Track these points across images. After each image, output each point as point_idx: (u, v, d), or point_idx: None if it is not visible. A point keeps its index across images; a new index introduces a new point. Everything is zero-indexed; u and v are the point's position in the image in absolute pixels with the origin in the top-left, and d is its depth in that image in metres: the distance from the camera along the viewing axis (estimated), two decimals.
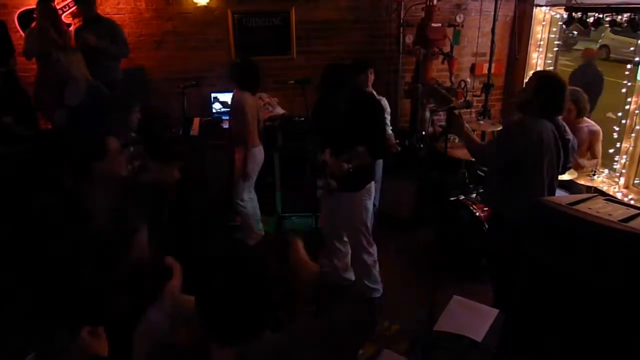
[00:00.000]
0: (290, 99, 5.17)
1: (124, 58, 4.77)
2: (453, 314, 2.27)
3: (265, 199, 4.82)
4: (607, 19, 3.97)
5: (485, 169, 4.40)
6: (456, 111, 3.08)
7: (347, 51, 5.28)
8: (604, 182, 4.32)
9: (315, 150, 3.40)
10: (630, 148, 4.16)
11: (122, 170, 2.64)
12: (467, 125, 3.09)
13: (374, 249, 3.57)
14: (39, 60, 4.58)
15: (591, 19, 4.10)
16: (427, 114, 5.08)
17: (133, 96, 3.76)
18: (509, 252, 2.91)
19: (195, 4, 5.10)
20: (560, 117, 2.95)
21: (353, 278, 3.80)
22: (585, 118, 4.01)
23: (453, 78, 5.02)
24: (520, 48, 5.58)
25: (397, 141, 4.36)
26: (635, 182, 4.24)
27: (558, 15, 5.04)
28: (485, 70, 5.23)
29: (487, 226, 3.78)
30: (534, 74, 3.13)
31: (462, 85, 4.90)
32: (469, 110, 5.32)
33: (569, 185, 3.91)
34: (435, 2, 4.88)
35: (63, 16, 4.88)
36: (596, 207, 2.40)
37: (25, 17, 4.84)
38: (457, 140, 4.35)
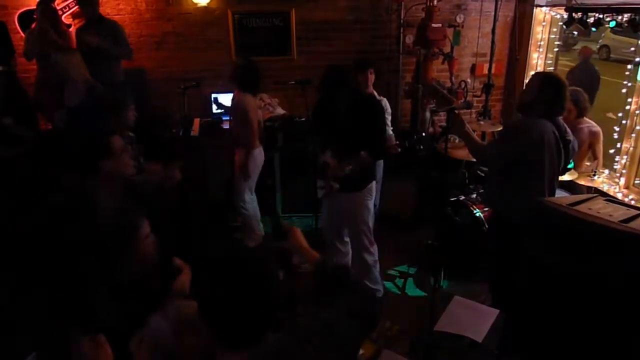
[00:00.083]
0: (290, 100, 5.17)
1: (128, 60, 4.77)
2: (453, 314, 2.27)
3: (266, 200, 4.83)
4: (608, 19, 3.97)
5: (485, 169, 4.40)
6: (456, 111, 3.08)
7: (347, 52, 5.28)
8: (604, 182, 4.32)
9: (316, 151, 3.40)
10: (631, 148, 4.16)
11: (128, 169, 2.65)
12: (467, 125, 3.09)
13: (374, 249, 3.57)
14: (39, 61, 4.58)
15: (591, 19, 4.10)
16: (428, 114, 5.09)
17: (128, 94, 3.76)
18: (509, 252, 2.91)
19: (196, 4, 5.10)
20: (560, 118, 2.95)
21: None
22: (586, 118, 4.01)
23: (453, 78, 5.03)
24: (520, 48, 5.58)
25: (397, 142, 4.36)
26: (636, 182, 4.24)
27: (558, 16, 5.03)
28: (486, 71, 5.23)
29: (487, 226, 3.78)
30: (535, 74, 3.13)
31: (463, 86, 4.90)
32: (469, 110, 5.32)
33: (570, 186, 3.91)
34: (435, 2, 4.88)
35: (63, 17, 4.88)
36: (596, 208, 2.41)
37: (26, 18, 4.85)
38: (457, 141, 4.35)
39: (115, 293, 1.73)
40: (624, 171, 4.25)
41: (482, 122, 4.56)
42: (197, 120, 5.11)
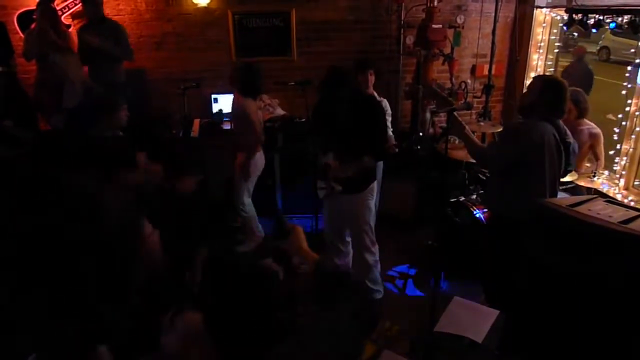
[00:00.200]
0: (290, 100, 5.17)
1: (129, 61, 4.77)
2: (453, 314, 2.27)
3: (266, 200, 4.83)
4: (608, 20, 3.97)
5: (485, 170, 4.41)
6: (456, 112, 3.09)
7: (347, 52, 5.28)
8: (604, 183, 4.32)
9: (316, 152, 3.41)
10: (630, 150, 4.16)
11: (141, 181, 2.67)
12: (467, 126, 3.10)
13: (376, 249, 3.58)
14: (38, 61, 4.58)
15: (591, 21, 4.11)
16: (428, 115, 5.09)
17: (127, 95, 3.78)
18: (509, 252, 2.91)
19: (196, 4, 5.10)
20: (560, 120, 2.96)
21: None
22: (586, 120, 4.02)
23: (453, 79, 5.03)
24: (520, 49, 5.58)
25: (395, 143, 4.37)
26: (635, 183, 4.24)
27: (558, 17, 5.04)
28: (486, 72, 5.24)
29: (487, 227, 3.78)
30: (536, 77, 3.15)
31: (463, 87, 4.91)
32: (469, 111, 5.33)
33: (570, 187, 3.92)
34: (435, 3, 4.88)
35: (63, 17, 4.88)
36: (596, 209, 2.41)
37: (25, 19, 4.85)
38: (457, 142, 4.36)
39: (124, 295, 1.73)
40: (623, 172, 4.26)
41: (482, 123, 4.57)
42: (197, 121, 5.11)
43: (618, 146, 4.29)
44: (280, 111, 5.21)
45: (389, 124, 4.36)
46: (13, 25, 4.87)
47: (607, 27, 4.05)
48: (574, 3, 4.39)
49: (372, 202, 3.51)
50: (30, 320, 1.88)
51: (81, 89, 4.02)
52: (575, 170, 3.83)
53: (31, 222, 2.36)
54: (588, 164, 4.14)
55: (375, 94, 4.24)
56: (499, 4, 4.98)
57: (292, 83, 3.74)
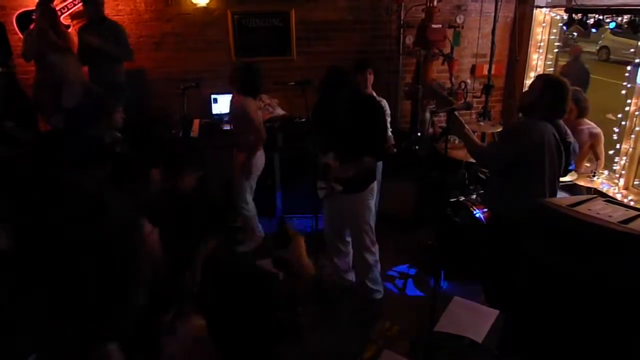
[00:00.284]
0: (290, 100, 5.17)
1: (129, 62, 4.77)
2: (453, 314, 2.26)
3: (266, 200, 4.83)
4: (607, 20, 3.97)
5: (485, 170, 4.41)
6: (456, 112, 3.08)
7: (347, 52, 5.28)
8: (604, 183, 4.32)
9: (316, 152, 3.41)
10: (630, 149, 4.16)
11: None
12: (467, 126, 3.09)
13: (376, 248, 3.58)
14: (37, 62, 4.58)
15: (591, 21, 4.11)
16: (428, 115, 5.09)
17: (125, 96, 3.77)
18: (509, 253, 2.91)
19: (195, 4, 5.10)
20: (561, 119, 2.96)
21: (354, 279, 3.80)
22: (586, 120, 4.02)
23: (453, 79, 5.03)
24: (520, 49, 5.58)
25: (394, 143, 4.37)
26: (635, 183, 4.24)
27: (558, 17, 5.04)
28: (486, 72, 5.23)
29: (487, 227, 3.78)
30: (538, 76, 3.14)
31: (463, 87, 4.91)
32: (469, 111, 5.33)
33: (569, 187, 3.92)
34: (435, 3, 4.88)
35: (62, 17, 4.88)
36: (596, 209, 2.41)
37: (24, 19, 4.84)
38: (457, 141, 4.36)
39: (126, 295, 1.73)
40: (623, 172, 4.26)
41: (482, 123, 4.57)
42: (196, 121, 5.11)
43: (618, 146, 4.29)
44: (280, 111, 5.21)
45: (387, 125, 4.36)
46: (12, 26, 4.87)
47: (606, 26, 4.05)
48: (573, 3, 4.39)
49: (372, 202, 3.51)
50: (30, 320, 1.88)
51: (80, 90, 4.01)
52: (575, 170, 3.83)
53: (31, 222, 2.36)
54: (588, 164, 4.14)
55: (374, 94, 4.25)
56: (499, 3, 4.98)
57: (292, 83, 3.74)
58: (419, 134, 5.14)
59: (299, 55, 5.45)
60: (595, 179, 3.92)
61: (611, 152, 4.33)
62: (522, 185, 2.90)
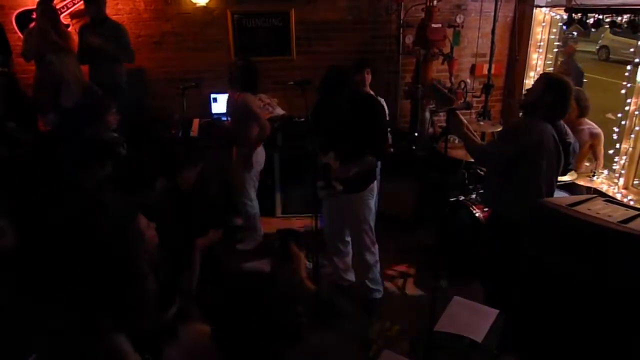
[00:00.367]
0: (289, 100, 5.17)
1: (129, 62, 4.76)
2: (453, 314, 2.27)
3: (265, 200, 4.83)
4: (607, 20, 3.97)
5: (484, 168, 4.40)
6: (456, 111, 3.08)
7: (347, 52, 5.27)
8: (604, 182, 4.32)
9: (316, 152, 3.40)
10: (630, 149, 4.16)
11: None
12: (467, 124, 3.09)
13: (376, 248, 3.58)
14: (36, 61, 4.58)
15: (591, 20, 4.10)
16: (427, 114, 5.09)
17: (118, 96, 3.78)
18: (509, 252, 2.91)
19: (195, 4, 5.09)
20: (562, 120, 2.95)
21: (354, 279, 3.80)
22: (587, 119, 4.02)
23: (453, 79, 5.02)
24: (520, 49, 5.58)
25: (391, 143, 4.37)
26: (635, 182, 4.24)
27: (558, 16, 5.04)
28: (485, 71, 5.23)
29: (487, 226, 3.78)
30: (541, 75, 3.12)
31: (462, 86, 4.90)
32: (469, 111, 5.32)
33: (569, 187, 3.92)
34: (435, 2, 4.88)
35: (61, 16, 4.87)
36: (596, 208, 2.41)
37: (23, 18, 4.84)
38: (457, 141, 4.35)
39: (126, 287, 1.73)
40: (623, 171, 4.25)
41: (482, 123, 4.56)
42: (196, 121, 5.10)
43: (617, 145, 4.29)
44: (279, 111, 5.21)
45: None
46: (11, 25, 4.87)
47: (606, 26, 4.05)
48: (573, 2, 4.39)
49: (372, 202, 3.51)
50: (30, 320, 1.88)
51: (79, 90, 4.01)
52: (575, 170, 3.83)
53: (31, 220, 2.36)
54: (587, 164, 4.14)
55: (372, 93, 4.24)
56: (499, 3, 4.98)
57: (292, 83, 3.74)
58: (416, 133, 5.14)
59: (298, 55, 5.45)
60: (595, 178, 3.92)
61: (611, 151, 4.33)
62: (522, 184, 2.90)
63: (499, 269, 3.14)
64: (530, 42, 5.46)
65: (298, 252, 1.80)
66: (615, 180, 4.32)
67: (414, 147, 4.98)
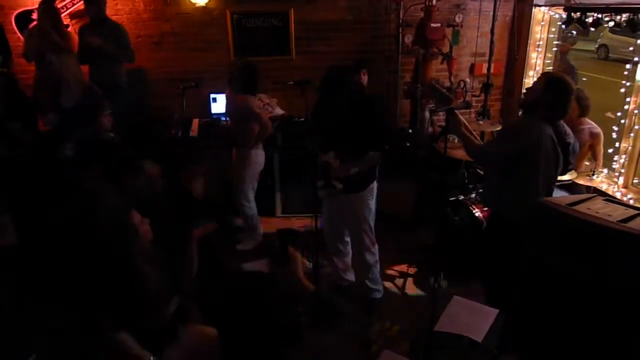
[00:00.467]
0: (289, 100, 5.17)
1: (129, 63, 4.76)
2: (453, 314, 2.27)
3: (265, 200, 4.83)
4: (606, 19, 3.97)
5: (483, 168, 4.40)
6: (455, 111, 3.08)
7: (346, 52, 5.28)
8: (603, 181, 4.33)
9: (315, 151, 3.41)
10: (629, 148, 4.16)
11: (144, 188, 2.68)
12: (466, 124, 3.09)
13: (375, 249, 3.58)
14: (37, 61, 4.58)
15: (590, 19, 4.11)
16: (427, 114, 5.09)
17: (118, 97, 3.77)
18: (509, 251, 2.91)
19: (194, 4, 5.09)
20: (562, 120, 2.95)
21: (353, 279, 3.80)
22: (587, 119, 4.02)
23: (452, 78, 5.02)
24: (519, 48, 5.58)
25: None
26: (634, 181, 4.25)
27: (557, 15, 5.04)
28: (485, 70, 5.23)
29: (486, 226, 3.79)
30: (542, 74, 3.11)
31: (462, 86, 4.90)
32: (468, 110, 5.32)
33: (569, 186, 3.92)
34: (434, 2, 4.88)
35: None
36: (595, 208, 2.41)
37: (23, 19, 4.83)
38: (456, 141, 4.36)
39: (127, 287, 1.73)
40: (622, 170, 4.26)
41: (481, 122, 4.57)
42: (196, 121, 5.10)
43: (617, 144, 4.29)
44: (279, 111, 5.21)
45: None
46: (11, 26, 4.86)
47: (605, 25, 4.05)
48: (572, 1, 4.39)
49: (372, 202, 3.51)
50: (30, 320, 1.88)
51: (79, 90, 4.00)
52: (575, 169, 3.84)
53: (30, 221, 2.36)
54: (587, 163, 4.14)
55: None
56: (498, 2, 4.98)
57: (291, 83, 3.74)
58: (409, 130, 5.14)
59: (298, 55, 5.45)
60: (594, 177, 3.92)
61: (610, 150, 4.34)
62: (521, 184, 2.90)
63: (499, 269, 3.14)
64: (529, 41, 5.46)
65: (295, 254, 1.80)
66: (615, 179, 4.32)
67: (407, 144, 4.97)
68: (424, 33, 4.86)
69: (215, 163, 4.71)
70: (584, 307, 2.34)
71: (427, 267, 4.17)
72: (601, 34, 13.39)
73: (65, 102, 4.19)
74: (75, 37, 4.69)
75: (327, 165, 3.32)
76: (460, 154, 3.97)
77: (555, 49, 5.43)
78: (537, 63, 5.49)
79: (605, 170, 4.46)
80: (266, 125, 4.10)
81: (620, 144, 4.25)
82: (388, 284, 4.00)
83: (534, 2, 5.30)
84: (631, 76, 4.10)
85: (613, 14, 3.92)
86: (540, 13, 5.32)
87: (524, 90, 5.00)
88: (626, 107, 4.16)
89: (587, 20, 4.13)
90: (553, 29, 5.32)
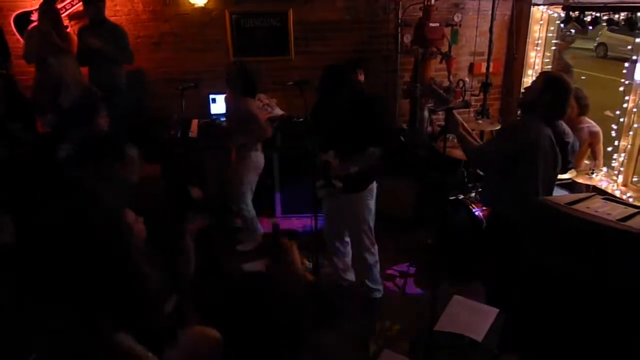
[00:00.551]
0: (288, 100, 5.17)
1: (129, 64, 4.76)
2: (453, 313, 2.27)
3: (265, 200, 4.83)
4: (605, 17, 3.97)
5: (480, 169, 4.40)
6: (454, 110, 3.08)
7: (345, 52, 5.28)
8: (603, 180, 4.33)
9: (315, 151, 3.41)
10: (628, 146, 4.16)
11: (133, 177, 2.67)
12: (465, 124, 3.09)
13: (375, 249, 3.58)
14: (36, 63, 4.57)
15: (588, 18, 4.11)
16: (426, 113, 5.09)
17: (117, 98, 3.76)
18: (508, 251, 2.92)
19: (193, 5, 5.09)
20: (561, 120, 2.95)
21: (353, 279, 3.80)
22: (586, 118, 4.03)
23: (451, 77, 5.03)
24: (518, 47, 5.58)
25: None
26: (634, 180, 4.25)
27: (556, 14, 5.04)
28: (484, 70, 5.24)
29: (486, 225, 3.79)
30: (541, 73, 3.11)
31: (461, 85, 4.90)
32: (467, 109, 5.33)
33: (569, 184, 3.92)
34: (432, 1, 4.88)
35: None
36: (595, 207, 2.41)
37: (22, 20, 4.83)
38: (456, 140, 4.36)
39: (122, 283, 1.73)
40: (621, 169, 4.26)
41: (480, 121, 4.57)
42: (195, 121, 5.10)
43: (616, 143, 4.29)
44: (278, 111, 5.21)
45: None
46: (9, 27, 4.86)
47: (603, 24, 4.05)
48: (571, 0, 4.39)
49: (372, 202, 3.51)
50: (30, 320, 1.88)
51: (78, 91, 4.00)
52: (574, 168, 3.84)
53: (30, 221, 2.35)
54: (587, 161, 4.14)
55: None
56: (496, 1, 4.98)
57: (290, 83, 3.75)
58: (404, 126, 5.13)
59: (297, 55, 5.45)
60: (594, 176, 3.92)
61: (609, 149, 4.34)
62: (520, 183, 2.90)
63: (499, 268, 3.14)
64: (528, 40, 5.46)
65: (289, 244, 1.80)
66: (614, 178, 4.32)
67: (402, 139, 4.97)
68: (423, 32, 4.85)
69: (215, 164, 4.72)
70: (584, 306, 2.34)
71: (427, 267, 4.17)
72: (600, 32, 13.39)
73: (65, 104, 4.19)
74: (75, 39, 4.69)
75: (326, 164, 3.32)
76: (460, 153, 3.97)
77: (554, 47, 5.43)
78: (536, 62, 5.49)
79: (605, 169, 4.46)
80: (265, 128, 4.10)
81: (619, 142, 4.25)
82: (388, 284, 4.00)
83: (533, 1, 5.30)
84: (630, 74, 4.10)
85: (611, 12, 3.92)
86: (538, 12, 5.32)
87: (522, 90, 5.02)
88: (625, 105, 4.16)
89: (585, 18, 4.14)
90: (552, 28, 5.31)
